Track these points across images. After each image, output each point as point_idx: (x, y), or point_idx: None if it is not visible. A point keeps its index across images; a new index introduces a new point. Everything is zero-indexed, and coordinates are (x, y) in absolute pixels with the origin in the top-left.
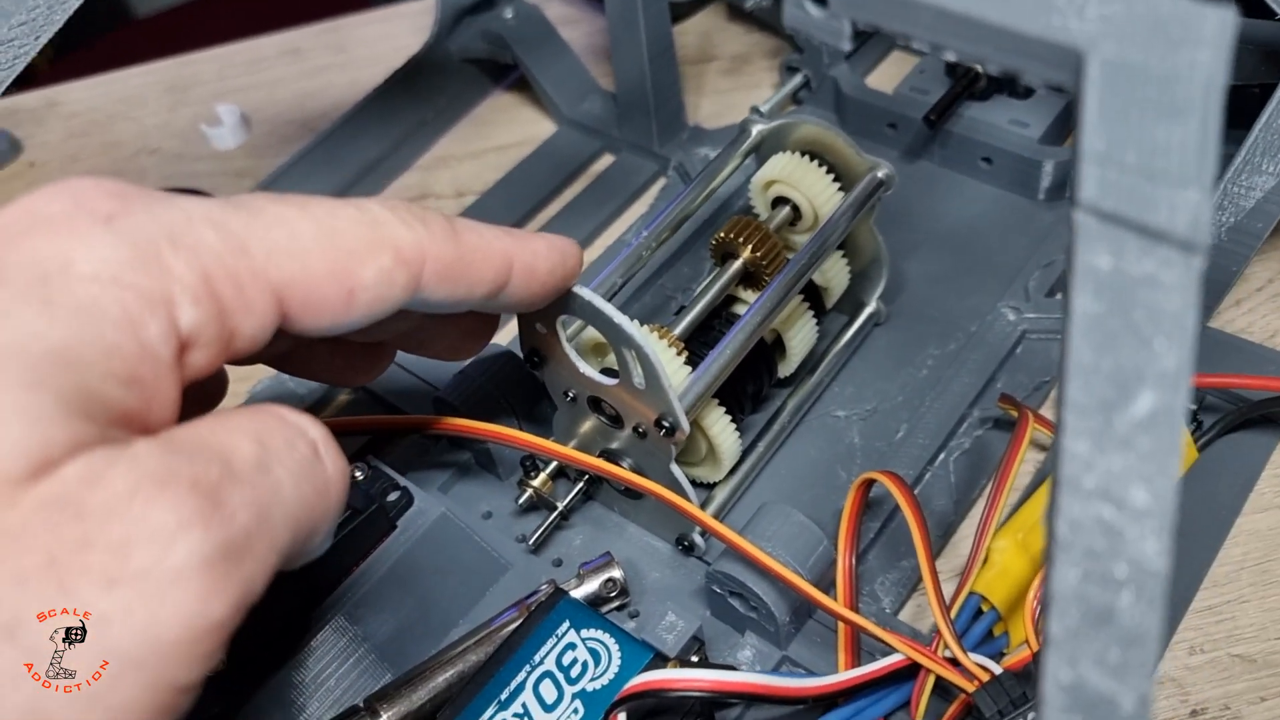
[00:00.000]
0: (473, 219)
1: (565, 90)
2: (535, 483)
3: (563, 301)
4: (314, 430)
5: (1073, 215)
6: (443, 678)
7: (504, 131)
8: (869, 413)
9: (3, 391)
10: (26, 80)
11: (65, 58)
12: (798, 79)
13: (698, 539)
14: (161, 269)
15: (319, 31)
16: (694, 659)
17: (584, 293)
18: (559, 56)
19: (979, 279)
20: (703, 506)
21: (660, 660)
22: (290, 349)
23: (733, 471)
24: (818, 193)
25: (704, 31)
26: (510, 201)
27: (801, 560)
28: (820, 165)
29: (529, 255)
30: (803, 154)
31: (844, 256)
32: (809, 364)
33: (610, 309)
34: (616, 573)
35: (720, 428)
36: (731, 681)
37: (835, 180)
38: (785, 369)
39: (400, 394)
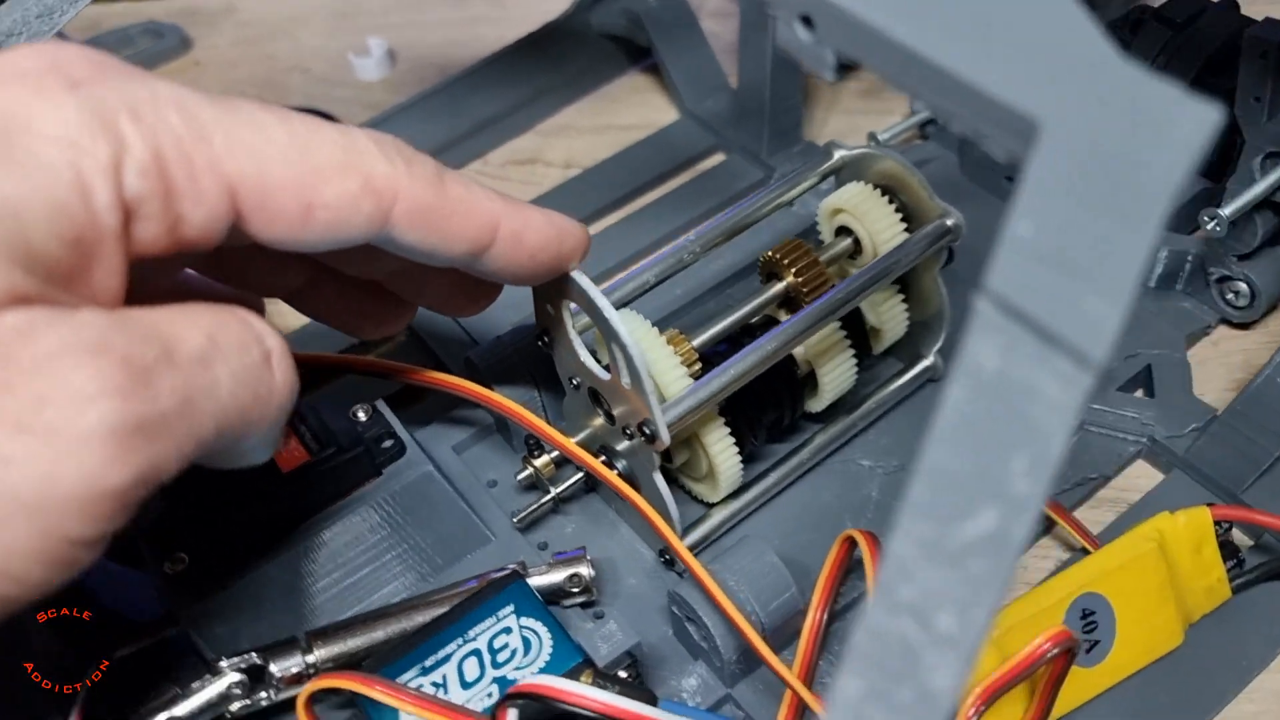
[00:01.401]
0: (570, 192)
1: (692, 82)
2: (538, 463)
3: (564, 284)
4: (271, 340)
5: (975, 300)
6: (383, 631)
7: (629, 112)
8: (895, 468)
9: None
10: None
11: None
12: (926, 113)
13: None
14: (116, 138)
15: None
16: (622, 674)
17: (579, 278)
18: (693, 48)
19: None
20: (695, 525)
21: (586, 666)
22: (301, 285)
23: (735, 496)
24: (881, 229)
25: None
26: (612, 182)
27: (762, 603)
28: (890, 202)
29: (518, 224)
30: (875, 187)
31: (904, 302)
32: (848, 404)
33: (600, 298)
34: (584, 570)
35: (721, 447)
36: (623, 709)
37: (903, 220)
38: (816, 404)
39: (444, 345)
